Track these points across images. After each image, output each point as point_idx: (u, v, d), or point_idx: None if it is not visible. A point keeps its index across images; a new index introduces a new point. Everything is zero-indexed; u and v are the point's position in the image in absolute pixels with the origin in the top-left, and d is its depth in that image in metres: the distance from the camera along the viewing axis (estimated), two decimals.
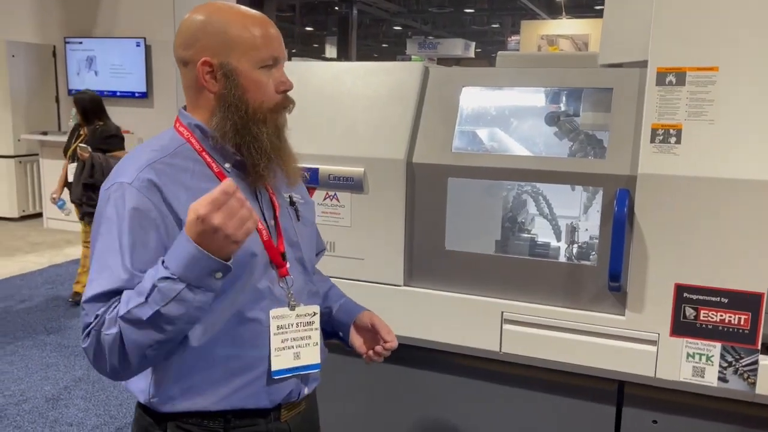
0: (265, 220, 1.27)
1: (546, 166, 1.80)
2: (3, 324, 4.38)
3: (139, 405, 1.29)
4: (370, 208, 1.92)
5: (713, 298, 1.61)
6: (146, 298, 1.07)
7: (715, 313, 1.61)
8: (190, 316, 1.10)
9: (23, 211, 7.47)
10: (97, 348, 1.12)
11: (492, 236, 2.04)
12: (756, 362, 1.58)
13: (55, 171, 7.05)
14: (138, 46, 7.15)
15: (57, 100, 7.77)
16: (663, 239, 1.63)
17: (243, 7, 1.26)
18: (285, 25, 22.24)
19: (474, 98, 2.09)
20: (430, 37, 19.88)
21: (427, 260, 1.90)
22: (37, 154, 7.23)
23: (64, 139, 6.89)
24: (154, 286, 1.07)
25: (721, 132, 1.59)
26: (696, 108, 1.61)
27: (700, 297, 1.62)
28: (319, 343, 1.31)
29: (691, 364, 1.65)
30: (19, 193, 7.39)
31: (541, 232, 2.15)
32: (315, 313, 1.31)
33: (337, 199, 1.94)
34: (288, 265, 1.29)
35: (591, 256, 1.92)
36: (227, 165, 1.25)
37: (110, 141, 4.69)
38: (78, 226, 7.04)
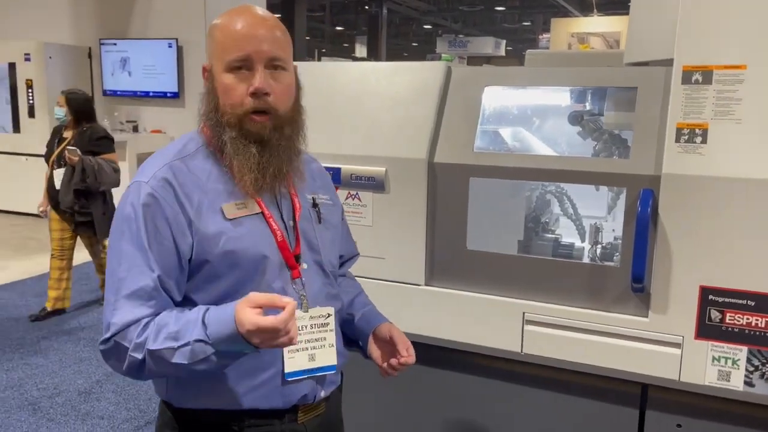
0: (282, 221, 1.28)
1: (568, 166, 1.78)
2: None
3: (163, 402, 1.32)
4: (391, 207, 1.92)
5: (739, 301, 1.58)
6: (177, 347, 1.12)
7: (741, 316, 1.58)
8: (211, 371, 1.15)
9: None
10: (116, 357, 1.16)
11: (514, 236, 2.03)
12: None
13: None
14: (170, 46, 7.28)
15: (92, 101, 7.94)
16: (687, 240, 1.61)
17: (251, 10, 1.25)
18: (315, 25, 22.38)
19: (498, 97, 2.09)
20: (461, 36, 19.81)
21: (449, 260, 1.90)
22: None
23: None
24: (188, 343, 1.11)
25: (748, 132, 1.56)
26: (723, 107, 1.58)
27: (726, 299, 1.59)
28: (335, 345, 1.30)
29: (717, 368, 1.62)
30: None
31: (566, 233, 2.14)
32: (329, 315, 1.29)
33: (359, 199, 1.95)
34: (304, 266, 1.29)
35: (615, 257, 1.90)
36: None
37: (101, 143, 4.36)
38: None
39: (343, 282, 1.51)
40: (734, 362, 1.60)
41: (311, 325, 1.27)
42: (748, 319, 1.57)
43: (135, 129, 7.42)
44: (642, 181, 1.65)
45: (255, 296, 1.09)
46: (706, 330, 1.62)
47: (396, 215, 1.92)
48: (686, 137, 1.61)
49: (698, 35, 1.62)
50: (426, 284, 1.93)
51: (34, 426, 3.08)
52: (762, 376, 1.57)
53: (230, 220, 1.21)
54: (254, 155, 1.22)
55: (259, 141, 1.22)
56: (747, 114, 1.56)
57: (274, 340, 1.07)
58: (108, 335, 1.15)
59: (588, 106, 2.06)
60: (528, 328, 1.81)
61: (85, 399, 3.37)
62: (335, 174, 1.95)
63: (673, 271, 1.63)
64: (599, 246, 1.98)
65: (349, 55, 25.76)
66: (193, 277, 1.21)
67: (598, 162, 1.89)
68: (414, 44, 28.20)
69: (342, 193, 1.97)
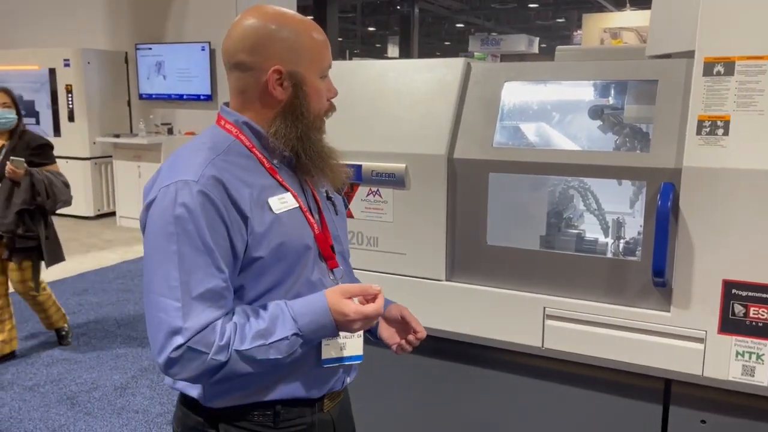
0: (311, 213, 1.30)
1: (588, 160, 1.77)
2: (78, 316, 4.65)
3: (185, 404, 1.30)
4: (412, 203, 1.94)
5: (764, 295, 1.55)
6: (270, 343, 1.15)
7: (765, 311, 1.55)
8: (290, 362, 1.20)
9: (98, 210, 7.88)
10: (188, 363, 1.12)
11: (536, 231, 2.03)
12: None
13: (127, 172, 7.42)
14: (203, 50, 7.42)
15: (129, 104, 8.15)
16: (710, 234, 1.59)
17: (299, 15, 1.28)
18: (347, 26, 22.50)
19: (518, 93, 2.09)
20: (493, 34, 19.66)
21: (469, 255, 1.91)
22: (110, 156, 7.62)
23: (136, 141, 7.27)
24: (285, 338, 1.16)
25: None
26: (745, 98, 1.56)
27: (750, 293, 1.56)
28: (362, 336, 1.34)
29: (741, 363, 1.59)
30: (95, 193, 7.80)
31: (590, 228, 2.12)
32: None
33: (380, 195, 1.97)
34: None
35: (637, 252, 1.88)
36: (275, 161, 1.27)
37: (42, 152, 3.63)
38: None
39: None
40: (759, 357, 1.57)
41: None
42: None
43: (170, 131, 7.59)
44: (663, 174, 1.63)
45: (347, 288, 1.21)
46: (729, 324, 1.59)
47: (416, 211, 1.94)
48: (708, 130, 1.59)
49: (720, 26, 1.60)
50: (447, 280, 1.94)
51: (72, 419, 3.18)
52: None
53: (278, 213, 1.22)
54: (334, 151, 1.32)
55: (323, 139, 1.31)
56: None
57: (369, 324, 1.21)
58: (182, 341, 1.10)
59: (610, 101, 2.05)
60: (549, 323, 1.81)
61: (120, 394, 3.47)
62: (357, 171, 1.98)
63: (695, 265, 1.61)
64: (622, 241, 1.97)
65: (381, 55, 25.81)
66: (242, 273, 1.21)
67: (618, 156, 1.88)
68: (446, 43, 28.10)
69: (363, 190, 1.99)
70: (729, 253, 1.57)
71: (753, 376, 1.58)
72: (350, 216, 2.01)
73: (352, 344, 1.32)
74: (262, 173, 1.24)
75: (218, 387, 1.23)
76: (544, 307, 1.81)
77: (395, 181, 1.94)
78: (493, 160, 1.85)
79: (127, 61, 8.06)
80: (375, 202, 1.99)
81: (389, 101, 2.01)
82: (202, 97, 7.58)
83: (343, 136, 2.02)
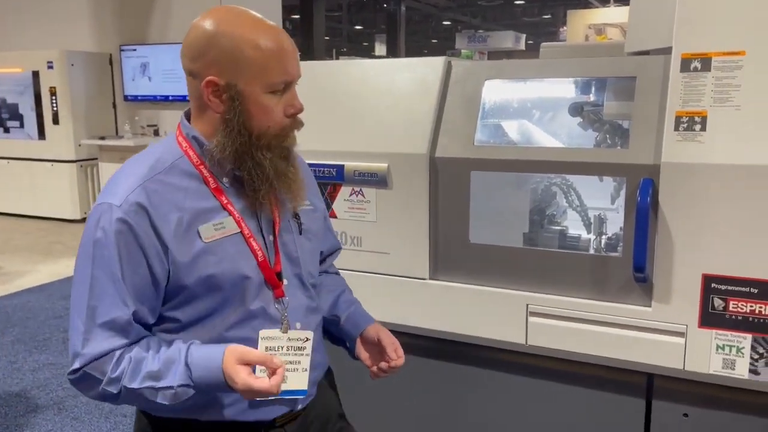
0: (263, 237, 1.24)
1: (567, 157, 1.78)
2: (65, 320, 4.61)
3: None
4: (394, 203, 1.95)
5: (742, 288, 1.56)
6: (159, 388, 1.11)
7: (744, 304, 1.57)
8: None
9: (84, 213, 7.82)
10: (87, 386, 1.14)
11: (519, 229, 2.03)
12: None
13: (112, 174, 7.38)
14: None
15: (114, 106, 8.09)
16: (689, 229, 1.60)
17: (258, 18, 1.18)
18: (334, 24, 22.47)
19: (499, 91, 2.09)
20: (480, 31, 19.71)
21: (452, 254, 1.92)
22: (96, 159, 7.57)
23: (122, 143, 7.22)
24: (171, 387, 1.11)
25: (748, 118, 1.54)
26: (722, 94, 1.57)
27: (729, 287, 1.58)
28: (308, 370, 1.23)
29: (721, 356, 1.61)
30: (81, 195, 7.74)
31: (572, 225, 2.13)
32: (307, 339, 1.23)
33: (363, 195, 1.97)
34: (285, 282, 1.26)
35: (618, 248, 1.89)
36: (225, 180, 1.21)
37: None
38: None
39: (325, 279, 1.50)
40: (739, 350, 1.59)
41: (287, 347, 1.22)
42: (751, 306, 1.56)
43: (155, 133, 7.54)
44: (641, 170, 1.64)
45: (246, 354, 1.11)
46: (709, 318, 1.61)
47: (399, 211, 1.94)
48: (685, 125, 1.61)
49: (696, 23, 1.61)
50: (431, 278, 1.95)
51: (59, 425, 3.16)
52: (767, 363, 1.56)
53: (208, 242, 1.17)
54: (292, 172, 1.22)
55: (286, 157, 1.22)
56: (746, 100, 1.54)
57: (256, 396, 1.13)
58: (78, 366, 1.12)
59: (591, 98, 2.06)
60: (532, 319, 1.82)
61: None
62: (338, 171, 1.98)
63: (675, 260, 1.62)
64: (604, 237, 1.98)
65: (368, 53, 25.80)
66: (170, 300, 1.19)
67: (597, 152, 1.89)
68: (433, 41, 28.12)
69: (346, 190, 1.99)
70: (708, 247, 1.59)
71: (733, 369, 1.60)
72: (333, 216, 2.01)
73: (294, 378, 1.21)
74: (203, 195, 1.19)
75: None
76: (527, 304, 1.82)
77: (378, 180, 1.94)
78: (474, 159, 1.85)
79: (111, 63, 8.00)
80: (358, 202, 1.99)
81: (371, 101, 2.01)
82: (188, 99, 7.54)
83: (325, 136, 2.03)
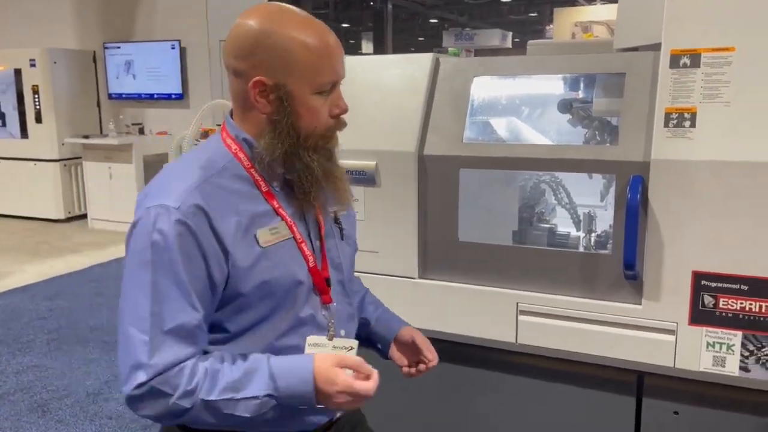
0: (311, 242, 1.22)
1: (557, 155, 1.77)
2: (49, 321, 4.55)
3: None
4: (383, 201, 1.92)
5: (733, 286, 1.56)
6: (239, 399, 1.06)
7: (735, 301, 1.56)
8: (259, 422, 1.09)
9: (69, 212, 7.72)
10: (151, 403, 1.05)
11: (509, 227, 2.02)
12: None
13: (98, 173, 7.29)
14: (173, 48, 7.30)
15: (98, 104, 8.00)
16: (678, 226, 1.59)
17: (306, 16, 1.16)
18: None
19: (487, 88, 2.07)
20: (467, 29, 19.70)
21: (441, 252, 1.90)
22: (80, 158, 7.47)
23: (106, 142, 7.13)
24: (256, 397, 1.06)
25: (737, 114, 1.54)
26: (711, 90, 1.57)
27: (719, 284, 1.57)
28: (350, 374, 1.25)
29: (711, 354, 1.60)
30: (65, 195, 7.65)
31: (561, 222, 2.12)
32: (352, 348, 1.23)
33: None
34: (331, 288, 1.25)
35: (608, 245, 1.88)
36: (275, 184, 1.19)
37: None
38: (124, 227, 7.25)
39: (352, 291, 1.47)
40: (729, 347, 1.58)
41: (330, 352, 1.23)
42: (742, 303, 1.56)
43: (140, 131, 7.46)
44: (631, 167, 1.63)
45: (341, 358, 1.11)
46: (699, 316, 1.60)
47: (388, 209, 1.92)
48: (675, 122, 1.60)
49: (685, 19, 1.60)
50: (420, 277, 1.93)
51: (43, 428, 3.11)
52: (758, 360, 1.56)
53: (265, 247, 1.14)
54: (339, 171, 1.21)
55: (330, 157, 1.20)
56: (735, 96, 1.54)
57: (353, 403, 1.09)
58: (145, 379, 1.03)
59: (580, 94, 2.05)
60: (522, 318, 1.81)
61: (93, 400, 3.40)
62: None
63: (665, 257, 1.61)
64: (593, 234, 1.97)
65: (356, 51, 25.73)
66: (222, 308, 1.14)
67: (587, 149, 1.88)
68: (420, 39, 28.11)
69: None
70: (698, 244, 1.58)
71: (724, 366, 1.59)
72: None
73: None
74: (256, 198, 1.16)
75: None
76: (517, 303, 1.81)
77: (366, 178, 1.92)
78: (463, 156, 1.84)
79: (95, 61, 7.91)
80: None
81: (358, 98, 1.97)
82: (173, 96, 7.47)
83: None
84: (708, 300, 1.59)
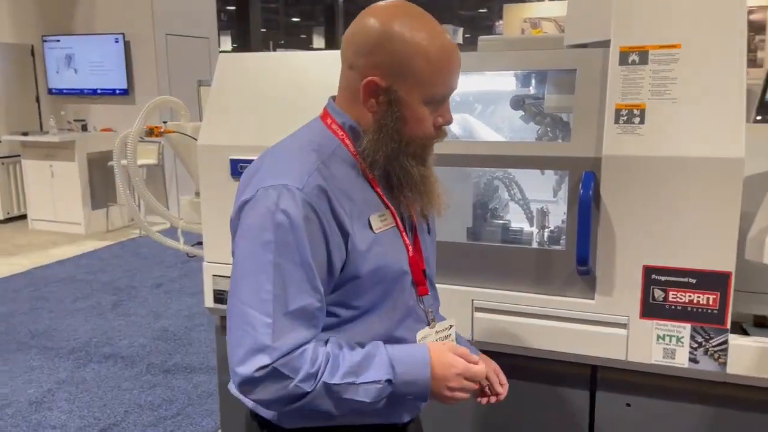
0: (406, 232, 1.22)
1: (509, 151, 1.77)
2: None
3: (255, 418, 1.23)
4: None
5: (681, 279, 1.59)
6: (360, 383, 1.06)
7: (683, 294, 1.59)
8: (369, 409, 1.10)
9: (8, 213, 7.41)
10: (269, 385, 1.04)
11: (463, 224, 2.01)
12: (725, 342, 1.57)
13: (38, 172, 7.00)
14: (117, 42, 7.07)
15: (37, 100, 7.68)
16: (629, 221, 1.61)
17: (434, 24, 1.14)
18: (270, 16, 22.09)
19: None
20: None
21: None
22: (18, 155, 7.16)
23: (47, 139, 6.85)
24: (378, 381, 1.07)
25: (684, 110, 1.56)
26: (659, 87, 1.59)
27: (669, 278, 1.60)
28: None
29: (662, 346, 1.63)
30: (3, 195, 7.33)
31: (515, 218, 2.13)
32: (451, 326, 1.28)
33: None
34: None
35: (561, 241, 1.90)
36: (376, 172, 1.17)
37: None
38: (66, 227, 6.98)
39: None
40: (678, 340, 1.61)
41: (436, 340, 1.25)
42: (690, 296, 1.59)
43: (84, 128, 7.20)
44: (583, 163, 1.64)
45: (454, 345, 1.16)
46: (650, 309, 1.63)
47: None
48: (625, 118, 1.61)
49: (633, 16, 1.62)
50: None
51: None
52: (706, 352, 1.59)
53: (377, 233, 1.14)
54: (435, 177, 1.23)
55: (425, 164, 1.20)
56: (682, 93, 1.56)
57: (465, 390, 1.14)
58: (269, 361, 1.02)
59: (531, 90, 2.06)
60: (477, 315, 1.80)
61: (36, 409, 3.26)
62: None
63: (617, 252, 1.63)
64: (546, 230, 1.98)
65: (307, 46, 25.49)
66: (337, 291, 1.13)
67: (540, 146, 1.88)
68: None
69: None
70: (648, 239, 1.60)
71: (674, 358, 1.62)
72: None
73: None
74: (363, 185, 1.16)
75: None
76: (473, 300, 1.80)
77: None
78: None
79: (33, 54, 7.58)
80: None
81: (307, 94, 1.93)
82: (117, 92, 7.24)
83: (261, 131, 1.95)
84: (658, 294, 1.61)
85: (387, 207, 1.18)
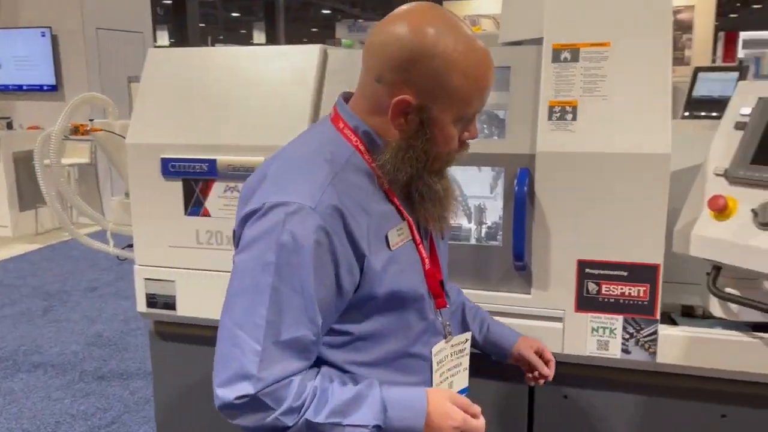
0: (422, 241, 1.16)
1: None
2: None
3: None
4: None
5: (613, 272, 1.62)
6: (345, 425, 1.00)
7: (615, 287, 1.63)
8: None
9: None
10: (251, 413, 0.98)
11: None
12: (655, 332, 1.61)
13: None
14: (43, 36, 6.76)
15: None
16: (563, 216, 1.64)
17: (473, 40, 1.05)
18: (209, 11, 21.62)
19: None
20: (360, 20, 19.73)
21: None
22: None
23: None
24: (365, 426, 1.00)
25: (614, 107, 1.60)
26: (590, 84, 1.62)
27: (601, 271, 1.63)
28: (467, 368, 1.25)
29: (596, 338, 1.67)
30: None
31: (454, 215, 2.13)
32: (467, 340, 1.24)
33: (238, 191, 1.86)
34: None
35: (498, 237, 1.91)
36: (395, 186, 1.10)
37: None
38: None
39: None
40: (611, 331, 1.65)
41: (451, 354, 1.22)
42: (622, 289, 1.62)
43: (9, 126, 6.85)
44: (518, 160, 1.66)
45: (455, 395, 1.10)
46: (584, 302, 1.66)
47: None
48: (558, 115, 1.64)
49: (565, 13, 1.65)
50: None
51: None
52: (637, 342, 1.64)
53: (393, 250, 1.07)
54: (453, 188, 1.18)
55: (444, 176, 1.16)
56: (611, 90, 1.60)
57: None
58: (251, 391, 0.96)
59: None
60: None
61: None
62: (210, 166, 1.85)
63: (552, 247, 1.66)
64: (484, 226, 2.00)
65: (247, 42, 25.08)
66: (348, 312, 1.07)
67: (476, 143, 1.87)
68: (313, 29, 27.86)
69: (219, 186, 1.87)
70: (581, 234, 1.63)
71: (607, 349, 1.66)
72: (206, 215, 1.88)
73: (458, 380, 1.24)
74: (380, 196, 1.08)
75: None
76: None
77: None
78: None
79: None
80: (233, 199, 1.87)
81: (244, 91, 1.89)
82: (45, 88, 6.92)
83: (195, 129, 1.89)
84: (591, 287, 1.65)
85: (405, 219, 1.11)
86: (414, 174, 1.08)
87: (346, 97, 1.14)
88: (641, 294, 1.61)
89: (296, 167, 1.05)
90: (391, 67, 1.02)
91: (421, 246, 1.14)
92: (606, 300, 1.64)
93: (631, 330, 1.63)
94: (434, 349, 1.17)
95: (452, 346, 1.22)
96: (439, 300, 1.19)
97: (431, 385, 1.18)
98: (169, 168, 1.88)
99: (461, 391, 1.23)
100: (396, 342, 1.13)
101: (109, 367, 3.68)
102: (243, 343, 0.98)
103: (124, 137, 1.97)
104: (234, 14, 24.06)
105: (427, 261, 1.15)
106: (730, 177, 1.52)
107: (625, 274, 1.61)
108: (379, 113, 1.06)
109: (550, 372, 1.39)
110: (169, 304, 1.95)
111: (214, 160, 1.85)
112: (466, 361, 1.26)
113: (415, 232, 1.13)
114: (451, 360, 1.22)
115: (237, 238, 1.07)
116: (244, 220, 1.04)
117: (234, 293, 1.02)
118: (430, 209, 1.12)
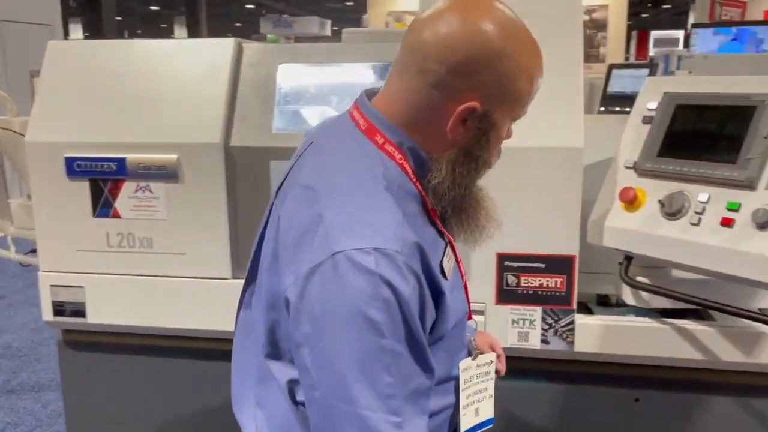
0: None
1: None
2: None
3: None
4: (187, 198, 1.78)
5: (531, 264, 1.65)
6: None
7: (534, 279, 1.66)
8: None
9: None
10: None
11: None
12: (572, 322, 1.65)
13: None
14: None
15: None
16: None
17: (533, 39, 0.95)
18: (126, 4, 20.78)
19: (296, 76, 2.00)
20: (285, 16, 19.46)
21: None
22: None
23: None
24: None
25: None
26: None
27: (520, 264, 1.66)
28: (493, 396, 1.15)
29: (517, 330, 1.69)
30: None
31: None
32: (492, 362, 1.15)
33: (150, 191, 1.78)
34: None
35: None
36: (438, 206, 0.98)
37: None
38: None
39: None
40: (531, 323, 1.68)
41: (477, 375, 1.13)
42: (540, 281, 1.66)
43: None
44: None
45: None
46: (504, 295, 1.68)
47: (194, 206, 1.78)
48: None
49: None
50: (233, 277, 1.82)
51: None
52: (555, 332, 1.67)
53: (449, 279, 0.96)
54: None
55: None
56: None
57: None
58: None
59: None
60: None
61: None
62: (120, 165, 1.76)
63: None
64: None
65: (168, 36, 24.30)
66: None
67: None
68: (238, 24, 27.30)
69: (130, 186, 1.78)
70: (501, 227, 1.64)
71: (527, 341, 1.69)
72: (116, 216, 1.79)
73: (484, 408, 1.14)
74: (427, 219, 0.95)
75: None
76: None
77: (167, 174, 1.76)
78: (273, 147, 1.75)
79: None
80: (145, 199, 1.79)
81: (155, 86, 1.81)
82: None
83: (102, 126, 1.80)
84: (511, 279, 1.67)
85: (445, 239, 1.00)
86: (469, 187, 0.98)
87: (372, 101, 0.98)
88: (558, 285, 1.65)
89: (358, 200, 0.89)
90: (456, 71, 0.89)
91: (461, 265, 1.06)
92: (525, 292, 1.67)
93: (549, 321, 1.67)
94: (461, 365, 1.08)
95: (478, 366, 1.13)
96: (468, 315, 1.11)
97: (458, 408, 1.09)
98: (75, 167, 1.78)
99: (487, 422, 1.14)
100: (445, 367, 1.04)
101: (20, 379, 3.47)
102: (378, 423, 0.83)
103: (23, 135, 1.85)
104: (153, 7, 23.26)
105: (464, 278, 1.08)
106: (639, 169, 1.57)
107: (543, 266, 1.65)
108: (430, 123, 0.93)
109: (502, 366, 1.33)
110: (79, 311, 1.85)
111: (124, 159, 1.76)
112: (491, 387, 1.17)
113: (456, 251, 1.04)
114: (476, 383, 1.14)
115: (297, 307, 0.87)
116: (307, 280, 0.85)
117: (335, 373, 0.84)
118: (482, 221, 1.04)
